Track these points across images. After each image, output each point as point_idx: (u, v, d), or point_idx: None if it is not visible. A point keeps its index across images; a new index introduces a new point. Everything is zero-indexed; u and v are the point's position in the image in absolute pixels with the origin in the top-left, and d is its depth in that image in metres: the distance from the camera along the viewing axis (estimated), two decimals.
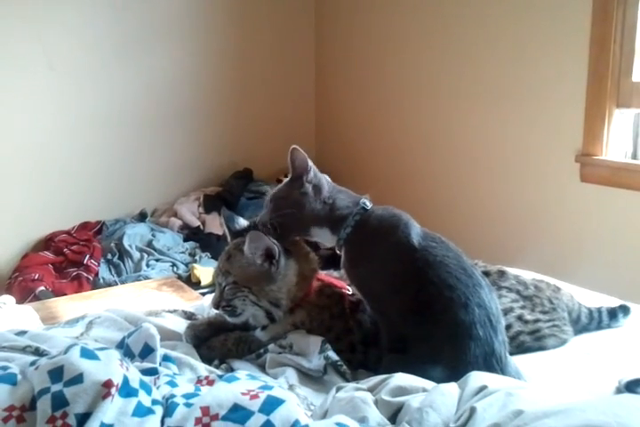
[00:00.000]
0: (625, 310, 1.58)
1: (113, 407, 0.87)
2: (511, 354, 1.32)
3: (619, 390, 1.26)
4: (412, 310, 1.24)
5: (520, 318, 1.44)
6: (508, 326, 1.41)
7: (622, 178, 2.46)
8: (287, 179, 1.35)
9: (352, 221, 1.30)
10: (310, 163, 1.33)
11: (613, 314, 1.57)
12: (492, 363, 1.21)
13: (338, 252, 1.34)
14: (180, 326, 1.48)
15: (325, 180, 1.35)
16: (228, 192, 3.49)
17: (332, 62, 3.80)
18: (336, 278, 1.46)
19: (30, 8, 3.02)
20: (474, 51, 2.95)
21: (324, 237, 1.34)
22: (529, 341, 1.44)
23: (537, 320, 1.46)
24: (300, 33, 3.81)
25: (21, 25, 3.02)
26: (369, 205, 1.33)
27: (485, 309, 1.23)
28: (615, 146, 2.51)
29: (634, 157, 2.53)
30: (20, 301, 2.50)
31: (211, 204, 3.40)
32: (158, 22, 3.39)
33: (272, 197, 1.36)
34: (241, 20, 3.61)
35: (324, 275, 1.45)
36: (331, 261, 1.53)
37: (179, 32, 3.45)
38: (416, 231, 1.29)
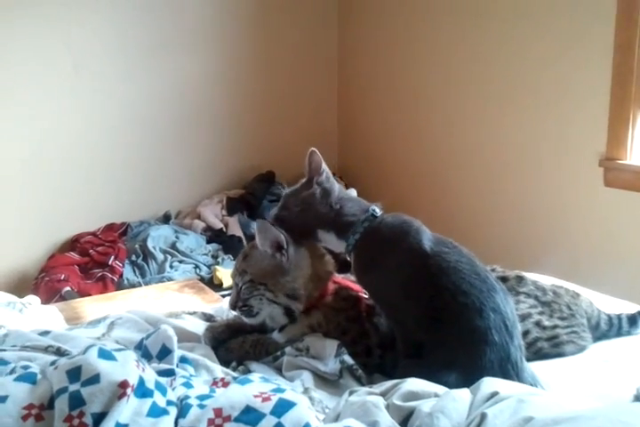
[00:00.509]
0: None
1: (128, 407, 0.89)
2: (529, 360, 1.32)
3: (637, 398, 1.25)
4: (426, 317, 1.24)
5: (538, 323, 1.43)
6: (526, 332, 1.40)
7: None
8: (304, 180, 1.37)
9: (361, 227, 1.31)
10: (324, 167, 1.34)
11: (633, 321, 1.55)
12: (507, 368, 1.20)
13: (347, 258, 1.35)
14: (200, 327, 1.50)
15: (338, 187, 1.37)
16: (251, 195, 3.51)
17: (355, 65, 3.81)
18: (353, 282, 1.47)
19: (57, 10, 3.08)
20: (498, 56, 2.94)
21: (331, 242, 1.35)
22: (547, 347, 1.43)
23: (555, 326, 1.45)
24: (323, 36, 3.82)
25: (48, 27, 3.08)
26: (378, 212, 1.33)
27: (500, 313, 1.22)
28: (639, 150, 2.49)
29: None
30: (46, 301, 2.55)
31: (233, 206, 3.43)
32: (183, 26, 3.43)
33: (285, 194, 1.39)
34: (265, 24, 3.64)
35: (340, 278, 1.46)
36: (348, 265, 1.54)
37: (203, 36, 3.49)
38: (427, 237, 1.29)
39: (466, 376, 1.16)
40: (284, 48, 3.71)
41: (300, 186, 1.37)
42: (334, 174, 1.40)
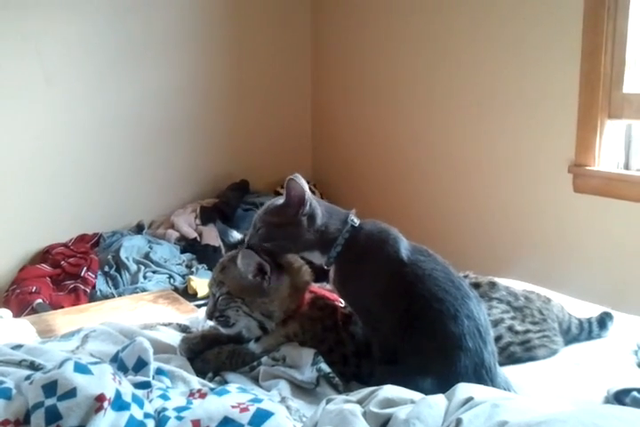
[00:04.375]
0: (610, 316, 1.61)
1: (105, 421, 0.89)
2: (502, 364, 1.34)
3: (607, 400, 1.27)
4: (402, 324, 1.25)
5: (510, 328, 1.46)
6: (499, 337, 1.42)
7: (615, 188, 2.48)
8: (281, 202, 1.32)
9: (342, 240, 1.31)
10: (307, 196, 1.29)
11: (603, 324, 1.59)
12: (481, 374, 1.22)
13: (326, 267, 1.35)
14: (175, 339, 1.50)
15: (318, 205, 1.32)
16: (225, 204, 3.50)
17: (329, 74, 3.83)
18: (329, 291, 1.48)
19: (27, 24, 3.05)
20: (467, 62, 2.98)
21: (314, 257, 1.35)
22: (519, 351, 1.45)
23: (527, 331, 1.47)
24: (296, 44, 3.84)
25: (18, 40, 3.05)
26: (357, 221, 1.34)
27: (474, 320, 1.24)
28: (607, 156, 2.54)
29: (626, 167, 2.55)
30: (18, 314, 2.51)
31: (207, 215, 3.41)
32: (154, 36, 3.42)
33: (264, 221, 1.33)
34: (237, 31, 3.64)
35: (316, 287, 1.46)
36: (325, 274, 1.55)
37: (175, 45, 3.48)
38: (404, 246, 1.30)
39: (441, 382, 1.17)
40: (257, 57, 3.71)
41: (281, 212, 1.31)
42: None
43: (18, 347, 1.38)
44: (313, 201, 1.32)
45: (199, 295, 2.73)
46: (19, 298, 2.76)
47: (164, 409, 0.95)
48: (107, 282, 2.96)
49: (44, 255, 3.17)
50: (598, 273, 2.52)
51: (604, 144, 2.53)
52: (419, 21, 3.19)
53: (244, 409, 0.91)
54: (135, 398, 0.95)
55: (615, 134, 2.53)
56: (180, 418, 0.92)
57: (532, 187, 2.77)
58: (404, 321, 1.25)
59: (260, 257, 1.32)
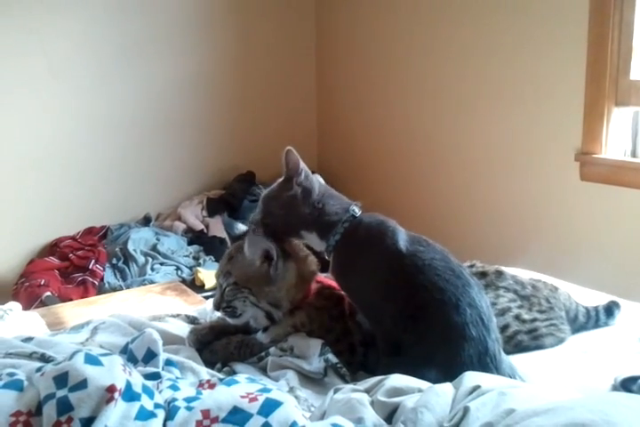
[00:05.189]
0: (617, 305, 1.61)
1: (116, 412, 0.90)
2: (509, 353, 1.34)
3: (615, 388, 1.28)
4: (404, 315, 1.25)
5: (518, 317, 1.46)
6: (506, 326, 1.43)
7: (622, 176, 2.47)
8: (280, 179, 1.36)
9: (341, 228, 1.31)
10: (302, 165, 1.33)
11: (610, 312, 1.59)
12: (486, 362, 1.22)
13: (327, 257, 1.36)
14: (183, 330, 1.51)
15: (318, 183, 1.35)
16: (231, 195, 3.51)
17: (334, 65, 3.82)
18: None
19: (33, 19, 3.06)
20: (474, 52, 2.97)
21: (313, 242, 1.36)
22: (527, 340, 1.46)
23: (534, 320, 1.48)
24: (301, 35, 3.83)
25: (24, 35, 3.06)
26: (358, 212, 1.34)
27: (476, 308, 1.24)
28: (614, 144, 2.52)
29: (633, 154, 2.54)
30: (27, 306, 2.53)
31: (214, 207, 3.43)
32: (159, 28, 3.42)
33: (263, 197, 1.37)
34: (240, 24, 3.63)
35: (323, 277, 1.47)
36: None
37: (180, 37, 3.48)
38: (403, 237, 1.30)
39: (446, 372, 1.17)
40: (262, 47, 3.71)
41: (279, 187, 1.36)
42: (313, 172, 1.37)
43: (28, 339, 1.39)
44: (310, 175, 1.34)
45: (206, 287, 2.75)
46: (28, 291, 2.78)
47: (174, 400, 0.96)
48: (115, 274, 2.97)
49: (52, 248, 3.18)
50: (605, 261, 2.51)
51: (611, 132, 2.51)
52: (428, 10, 3.17)
53: (253, 399, 0.91)
54: (145, 389, 0.96)
55: (622, 122, 2.51)
56: (189, 408, 0.93)
57: (538, 175, 2.76)
58: (407, 313, 1.25)
59: (266, 243, 1.33)
